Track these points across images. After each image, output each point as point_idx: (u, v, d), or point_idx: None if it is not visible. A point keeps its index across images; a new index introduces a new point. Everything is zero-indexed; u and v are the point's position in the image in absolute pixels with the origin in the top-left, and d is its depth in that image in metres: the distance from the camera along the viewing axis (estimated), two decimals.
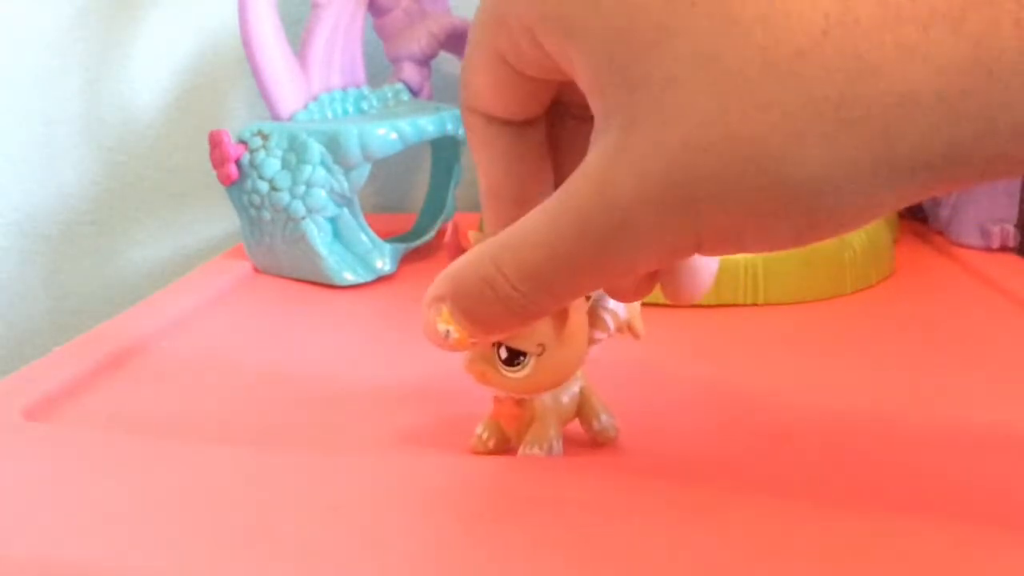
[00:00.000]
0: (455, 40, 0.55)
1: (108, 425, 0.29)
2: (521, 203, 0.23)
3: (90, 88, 0.64)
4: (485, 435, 0.26)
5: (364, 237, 0.46)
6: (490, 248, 0.21)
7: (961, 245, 0.47)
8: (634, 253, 0.19)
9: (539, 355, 0.23)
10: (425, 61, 0.54)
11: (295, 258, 0.45)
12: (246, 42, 0.46)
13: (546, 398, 0.25)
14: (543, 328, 0.23)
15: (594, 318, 0.25)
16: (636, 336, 0.26)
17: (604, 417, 0.26)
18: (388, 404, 0.30)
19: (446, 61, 0.59)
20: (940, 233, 0.49)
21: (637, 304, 0.26)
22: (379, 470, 0.25)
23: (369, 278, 0.45)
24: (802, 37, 0.16)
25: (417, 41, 0.53)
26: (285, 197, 0.44)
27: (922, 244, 0.49)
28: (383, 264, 0.46)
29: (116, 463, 0.26)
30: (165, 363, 0.35)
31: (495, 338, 0.23)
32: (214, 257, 0.50)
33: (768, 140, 0.16)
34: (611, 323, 0.25)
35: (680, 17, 0.17)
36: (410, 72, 0.53)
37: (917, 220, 0.52)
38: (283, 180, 0.44)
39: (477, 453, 0.26)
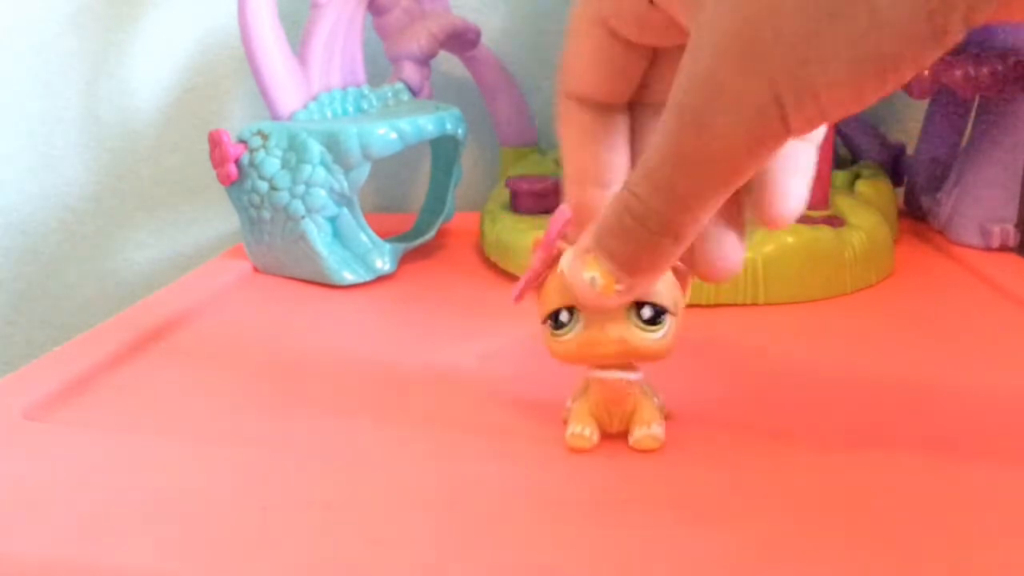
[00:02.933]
0: (455, 40, 0.55)
1: (108, 425, 0.29)
2: (604, 188, 0.25)
3: (90, 88, 0.64)
4: (587, 432, 0.26)
5: (364, 237, 0.46)
6: (626, 183, 0.22)
7: (961, 245, 0.47)
8: (731, 129, 0.19)
9: (674, 316, 0.25)
10: (425, 61, 0.54)
11: (295, 258, 0.45)
12: (246, 42, 0.46)
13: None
14: (669, 291, 0.25)
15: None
16: None
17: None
18: (388, 404, 0.30)
19: (446, 61, 0.59)
20: (940, 233, 0.49)
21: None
22: (380, 470, 0.25)
23: (369, 278, 0.45)
24: None
25: (417, 41, 0.53)
26: (285, 197, 0.44)
27: (922, 244, 0.49)
28: (383, 264, 0.46)
29: (116, 463, 0.26)
30: (165, 363, 0.35)
31: (638, 285, 0.23)
32: (214, 257, 0.50)
33: None
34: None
35: None
36: (410, 72, 0.53)
37: (917, 220, 0.52)
38: (283, 180, 0.44)
39: (581, 451, 0.26)
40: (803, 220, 0.42)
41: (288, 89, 0.47)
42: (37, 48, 0.63)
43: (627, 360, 0.25)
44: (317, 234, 0.44)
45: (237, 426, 0.29)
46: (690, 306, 0.39)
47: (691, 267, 0.25)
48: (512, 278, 0.44)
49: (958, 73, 0.43)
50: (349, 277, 0.44)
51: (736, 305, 0.39)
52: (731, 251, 0.24)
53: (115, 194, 0.65)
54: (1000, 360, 0.33)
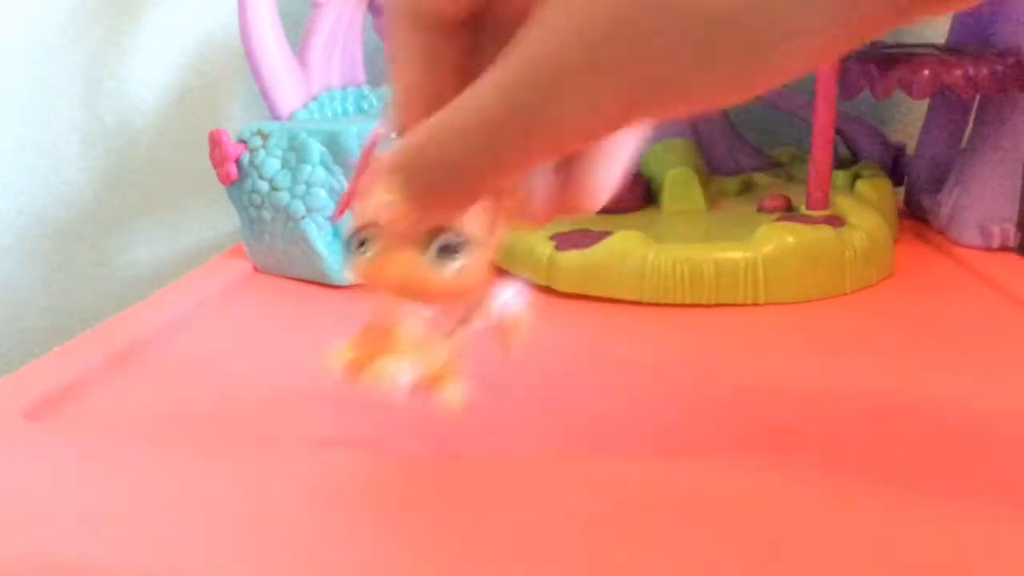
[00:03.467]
0: None
1: (108, 425, 0.29)
2: (437, 108, 0.22)
3: (90, 88, 0.64)
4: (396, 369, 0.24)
5: None
6: (438, 114, 0.20)
7: (961, 245, 0.47)
8: (570, 116, 0.18)
9: (473, 251, 0.22)
10: None
11: (295, 258, 0.45)
12: (246, 42, 0.46)
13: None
14: (472, 226, 0.22)
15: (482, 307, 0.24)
16: (507, 347, 0.26)
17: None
18: (389, 404, 0.30)
19: None
20: (940, 233, 0.49)
21: (524, 318, 0.25)
22: (382, 469, 0.25)
23: None
24: None
25: None
26: (285, 197, 0.44)
27: (922, 244, 0.49)
28: None
29: (116, 463, 0.26)
30: (165, 363, 0.35)
31: (433, 214, 0.21)
32: (214, 257, 0.50)
33: None
34: (495, 316, 0.25)
35: None
36: None
37: (917, 220, 0.52)
38: (283, 180, 0.44)
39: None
40: (803, 220, 0.42)
41: (288, 89, 0.47)
42: (38, 48, 0.63)
43: (411, 298, 0.23)
44: (317, 234, 0.44)
45: (236, 426, 0.29)
46: (691, 306, 0.39)
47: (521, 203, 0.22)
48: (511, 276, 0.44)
49: (958, 73, 0.43)
50: (349, 277, 0.44)
51: (736, 305, 0.39)
52: (604, 178, 0.23)
53: (115, 194, 0.65)
54: (1000, 360, 0.33)
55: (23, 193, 0.65)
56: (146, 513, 0.23)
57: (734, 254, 0.39)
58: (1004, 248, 0.45)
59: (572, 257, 0.40)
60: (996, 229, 0.45)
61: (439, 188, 0.21)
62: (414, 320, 0.24)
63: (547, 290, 0.40)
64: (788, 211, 0.45)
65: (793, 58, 0.17)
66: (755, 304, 0.39)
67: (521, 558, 0.21)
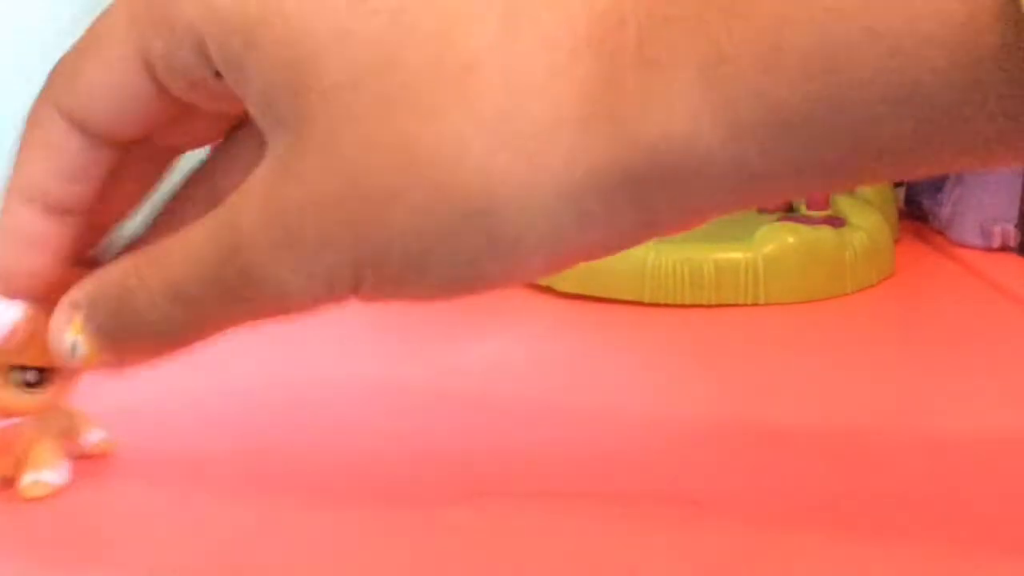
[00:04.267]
0: None
1: (108, 426, 0.29)
2: (52, 214, 0.20)
3: None
4: None
5: None
6: (136, 257, 0.19)
7: (961, 245, 0.47)
8: (292, 275, 0.18)
9: (56, 379, 0.21)
10: None
11: None
12: None
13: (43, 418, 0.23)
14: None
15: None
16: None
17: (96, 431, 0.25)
18: (388, 404, 0.30)
19: None
20: (940, 233, 0.49)
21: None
22: (382, 470, 0.25)
23: None
24: (468, 54, 0.17)
25: None
26: None
27: (922, 244, 0.49)
28: None
29: (116, 463, 0.26)
30: (165, 363, 0.35)
31: (128, 364, 0.20)
32: None
33: (438, 148, 0.16)
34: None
35: (360, 21, 0.17)
36: None
37: (917, 220, 0.52)
38: None
39: None
40: (804, 220, 0.42)
41: None
42: (38, 49, 0.63)
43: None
44: None
45: (236, 426, 0.29)
46: (691, 306, 0.39)
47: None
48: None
49: None
50: None
51: (736, 305, 0.39)
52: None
53: None
54: (1000, 360, 0.33)
55: None
56: (146, 513, 0.23)
57: (734, 254, 0.39)
58: (1004, 248, 0.45)
59: None
60: (996, 229, 0.45)
61: (142, 340, 0.20)
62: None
63: (547, 290, 0.40)
64: (788, 211, 0.45)
65: None
66: (755, 304, 0.39)
67: (520, 558, 0.21)
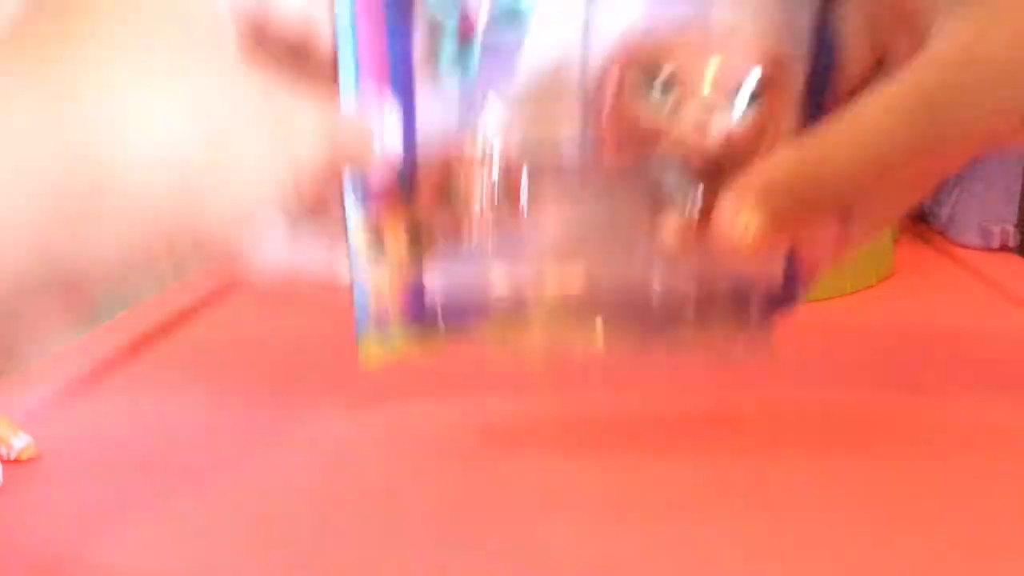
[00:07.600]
0: None
1: (107, 426, 0.29)
2: None
3: None
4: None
5: None
6: (801, 145, 0.21)
7: (961, 245, 0.47)
8: (992, 114, 0.20)
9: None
10: None
11: None
12: None
13: None
14: None
15: None
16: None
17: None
18: (389, 405, 0.30)
19: None
20: (940, 233, 0.49)
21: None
22: (382, 470, 0.25)
23: None
24: None
25: None
26: None
27: (922, 244, 0.49)
28: None
29: (115, 464, 0.26)
30: (165, 363, 0.35)
31: (790, 235, 0.23)
32: None
33: None
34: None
35: None
36: None
37: (917, 220, 0.52)
38: None
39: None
40: None
41: None
42: None
43: None
44: None
45: (235, 426, 0.29)
46: None
47: None
48: None
49: None
50: None
51: None
52: None
53: None
54: (1000, 360, 0.33)
55: None
56: (145, 513, 0.23)
57: None
58: (1004, 248, 0.45)
59: None
60: (996, 229, 0.45)
61: (810, 217, 0.22)
62: None
63: None
64: None
65: None
66: None
67: (521, 556, 0.21)
